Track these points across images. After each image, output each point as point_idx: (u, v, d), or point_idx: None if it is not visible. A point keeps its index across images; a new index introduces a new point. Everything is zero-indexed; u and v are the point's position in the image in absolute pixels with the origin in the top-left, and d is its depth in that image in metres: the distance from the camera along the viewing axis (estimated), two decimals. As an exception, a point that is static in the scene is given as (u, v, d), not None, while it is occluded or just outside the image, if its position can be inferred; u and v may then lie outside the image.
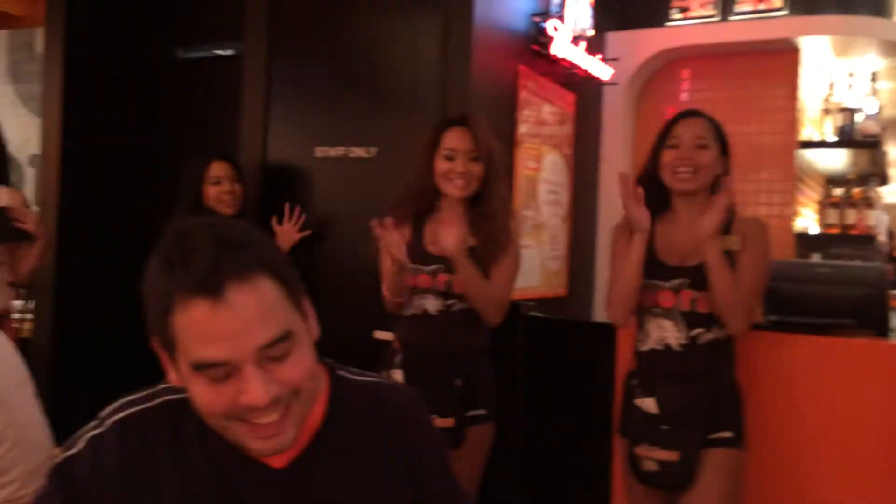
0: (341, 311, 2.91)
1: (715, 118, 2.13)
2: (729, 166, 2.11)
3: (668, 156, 2.09)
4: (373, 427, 1.05)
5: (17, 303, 3.55)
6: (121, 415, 0.99)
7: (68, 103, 3.58)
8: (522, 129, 3.33)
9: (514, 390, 3.03)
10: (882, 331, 2.48)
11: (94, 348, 3.58)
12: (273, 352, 0.88)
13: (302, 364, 0.92)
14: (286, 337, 0.89)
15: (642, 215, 2.04)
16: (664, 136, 2.12)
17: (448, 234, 2.23)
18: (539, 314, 3.21)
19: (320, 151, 3.22)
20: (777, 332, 2.31)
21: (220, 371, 0.87)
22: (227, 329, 0.85)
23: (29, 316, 3.60)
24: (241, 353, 0.86)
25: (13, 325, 2.91)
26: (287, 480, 0.98)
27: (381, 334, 2.70)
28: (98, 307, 3.59)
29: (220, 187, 2.90)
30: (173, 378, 0.96)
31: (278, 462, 0.98)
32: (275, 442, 0.91)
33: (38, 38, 4.64)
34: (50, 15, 3.64)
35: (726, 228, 2.04)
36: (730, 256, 2.01)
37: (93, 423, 1.00)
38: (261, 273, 0.88)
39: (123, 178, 3.70)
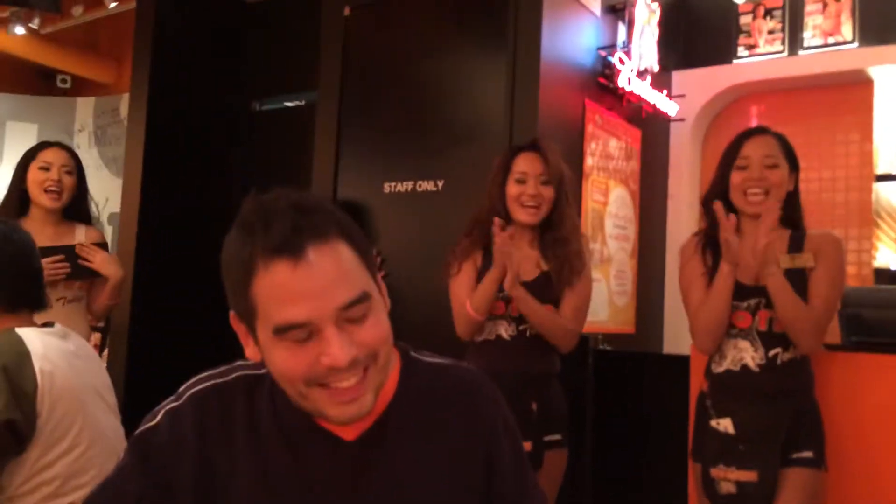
0: (410, 342, 2.90)
1: (783, 134, 2.10)
2: (798, 182, 2.08)
3: (737, 177, 2.05)
4: (443, 405, 1.04)
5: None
6: (197, 388, 1.02)
7: (148, 163, 3.75)
8: (589, 161, 3.34)
9: (584, 422, 2.98)
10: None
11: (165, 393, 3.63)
12: (352, 313, 0.90)
13: (379, 327, 0.93)
14: (364, 298, 0.91)
15: (738, 246, 1.97)
16: (733, 156, 2.08)
17: (521, 261, 2.22)
18: (608, 347, 3.18)
19: (388, 186, 3.30)
20: (857, 351, 2.23)
21: (302, 332, 0.88)
22: (308, 288, 0.87)
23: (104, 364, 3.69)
24: (321, 313, 0.88)
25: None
26: (357, 452, 0.98)
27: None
28: (170, 357, 3.63)
29: None
30: (251, 353, 0.98)
31: (349, 434, 0.99)
32: (353, 407, 0.92)
33: (123, 103, 4.86)
34: (135, 81, 3.86)
35: (798, 245, 2.00)
36: (803, 274, 1.96)
37: (171, 398, 1.03)
38: (338, 236, 0.91)
39: (199, 229, 3.80)
